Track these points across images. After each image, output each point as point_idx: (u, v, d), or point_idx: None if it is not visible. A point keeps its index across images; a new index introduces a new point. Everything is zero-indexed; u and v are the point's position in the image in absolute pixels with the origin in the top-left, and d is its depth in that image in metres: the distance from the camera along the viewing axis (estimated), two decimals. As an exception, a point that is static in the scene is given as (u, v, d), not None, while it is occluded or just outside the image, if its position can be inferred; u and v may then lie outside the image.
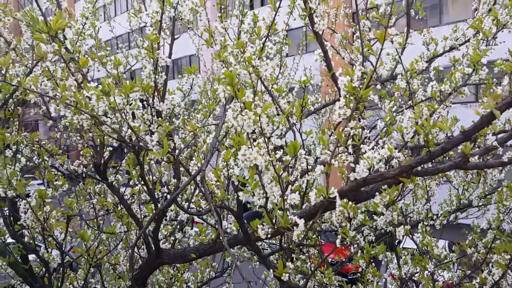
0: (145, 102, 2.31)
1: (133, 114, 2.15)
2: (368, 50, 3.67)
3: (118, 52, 7.91)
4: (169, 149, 2.04)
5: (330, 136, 3.96)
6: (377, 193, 2.29)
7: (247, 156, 1.72)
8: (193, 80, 2.67)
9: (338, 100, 2.05)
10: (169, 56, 2.33)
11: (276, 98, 2.23)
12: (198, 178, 1.94)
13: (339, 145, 1.94)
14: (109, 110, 1.96)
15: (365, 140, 2.31)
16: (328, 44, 2.47)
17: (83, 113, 1.90)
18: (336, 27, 4.50)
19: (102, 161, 2.64)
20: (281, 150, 2.01)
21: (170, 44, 2.36)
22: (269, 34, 2.12)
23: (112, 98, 1.92)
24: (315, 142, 3.93)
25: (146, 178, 2.47)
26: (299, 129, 2.98)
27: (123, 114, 1.97)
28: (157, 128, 2.31)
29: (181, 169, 2.66)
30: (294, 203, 1.86)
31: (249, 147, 1.73)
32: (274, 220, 1.88)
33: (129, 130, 2.07)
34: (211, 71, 6.41)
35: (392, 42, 2.16)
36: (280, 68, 3.08)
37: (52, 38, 1.76)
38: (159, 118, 2.35)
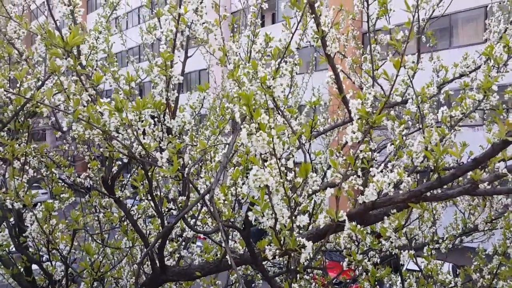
0: (156, 119, 2.31)
1: (144, 130, 2.15)
2: (377, 71, 3.70)
3: (128, 64, 7.98)
4: (179, 167, 2.03)
5: (338, 157, 3.97)
6: (385, 217, 2.26)
7: (259, 177, 1.70)
8: (204, 97, 2.67)
9: (349, 122, 2.05)
10: (182, 74, 2.34)
11: (288, 119, 2.22)
12: (207, 197, 1.93)
13: (349, 168, 1.92)
14: (120, 126, 1.96)
15: (374, 163, 2.30)
16: (339, 67, 2.47)
17: (95, 128, 1.89)
18: (346, 52, 4.52)
19: (110, 176, 2.64)
20: (291, 171, 2.00)
21: (183, 62, 2.37)
22: (285, 55, 2.12)
23: (124, 114, 1.92)
24: (322, 162, 3.92)
25: (154, 194, 2.46)
26: (308, 150, 2.98)
27: (134, 131, 1.97)
28: (167, 145, 2.31)
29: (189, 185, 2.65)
30: (302, 225, 1.85)
31: (261, 168, 1.72)
32: (282, 242, 1.86)
33: (140, 147, 2.06)
34: (221, 87, 6.45)
35: (404, 67, 2.17)
36: (291, 88, 3.10)
37: (68, 53, 1.77)
38: (170, 135, 2.35)
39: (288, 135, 2.64)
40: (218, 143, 2.79)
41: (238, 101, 2.24)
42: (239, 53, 2.70)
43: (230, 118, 3.23)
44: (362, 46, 5.52)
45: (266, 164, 1.80)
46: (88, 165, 3.68)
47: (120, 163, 2.95)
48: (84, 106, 1.87)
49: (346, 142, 4.59)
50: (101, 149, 2.12)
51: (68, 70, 1.82)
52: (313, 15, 2.09)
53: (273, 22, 22.77)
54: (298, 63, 2.64)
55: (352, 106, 2.12)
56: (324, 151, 6.12)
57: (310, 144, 2.89)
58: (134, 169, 3.95)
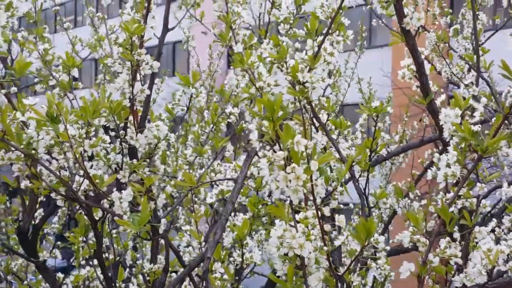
0: (112, 133, 2.32)
1: (92, 153, 2.16)
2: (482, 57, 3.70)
3: (57, 31, 8.07)
4: (150, 216, 2.03)
5: (408, 196, 3.96)
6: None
7: (287, 240, 1.70)
8: (191, 96, 2.69)
9: (430, 141, 2.03)
10: (158, 58, 2.36)
11: (333, 139, 2.23)
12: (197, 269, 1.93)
13: (442, 229, 1.91)
14: (55, 145, 1.97)
15: (480, 217, 2.29)
16: (422, 51, 2.48)
17: (13, 149, 1.90)
18: (426, 23, 4.55)
19: (32, 226, 2.65)
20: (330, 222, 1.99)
21: (161, 37, 2.39)
22: (330, 30, 2.14)
23: (63, 127, 1.93)
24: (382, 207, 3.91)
25: (104, 257, 2.46)
26: (365, 188, 2.98)
27: (77, 154, 1.98)
28: (129, 176, 2.32)
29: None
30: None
31: (290, 225, 1.72)
32: None
33: (85, 181, 2.07)
34: (208, 72, 6.50)
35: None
36: (330, 77, 3.10)
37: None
38: (134, 160, 2.36)
39: (332, 164, 2.64)
40: (216, 179, 2.79)
41: (252, 108, 2.25)
42: (250, 24, 2.71)
43: (231, 130, 3.25)
44: (451, 11, 5.55)
45: (297, 216, 1.80)
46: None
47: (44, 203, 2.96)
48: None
49: (423, 175, 4.57)
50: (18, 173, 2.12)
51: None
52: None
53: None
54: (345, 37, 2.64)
55: (446, 120, 2.11)
56: (384, 185, 6.08)
57: (367, 179, 2.89)
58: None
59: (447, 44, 4.43)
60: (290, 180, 1.64)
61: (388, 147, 3.67)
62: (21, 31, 3.12)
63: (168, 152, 3.06)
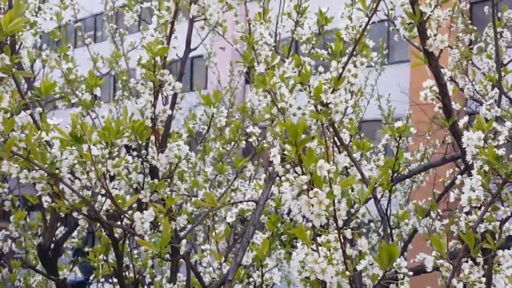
0: (134, 152, 2.33)
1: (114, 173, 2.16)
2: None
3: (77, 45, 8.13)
4: (172, 237, 2.03)
5: (430, 215, 3.91)
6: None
7: (309, 265, 1.69)
8: (212, 115, 2.70)
9: (453, 160, 2.01)
10: (180, 78, 2.37)
11: (357, 162, 2.22)
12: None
13: (466, 253, 1.89)
14: (78, 165, 1.97)
15: (503, 240, 2.27)
16: (445, 73, 2.46)
17: (37, 168, 1.91)
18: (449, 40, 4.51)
19: (53, 243, 2.66)
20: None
21: (183, 58, 2.40)
22: (355, 51, 2.13)
23: (86, 147, 1.93)
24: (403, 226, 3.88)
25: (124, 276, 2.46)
26: (386, 209, 2.95)
27: (100, 174, 1.98)
28: (150, 196, 2.32)
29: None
30: None
31: (312, 249, 1.71)
32: None
33: (107, 200, 2.08)
34: (229, 89, 6.51)
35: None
36: (352, 96, 3.11)
37: (2, 47, 1.81)
38: (155, 180, 2.37)
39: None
40: (238, 201, 2.79)
41: (276, 130, 2.25)
42: (271, 43, 2.70)
43: (250, 148, 3.25)
44: (475, 28, 5.50)
45: (319, 238, 1.79)
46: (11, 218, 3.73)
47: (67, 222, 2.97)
48: (22, 132, 1.90)
49: (444, 194, 4.51)
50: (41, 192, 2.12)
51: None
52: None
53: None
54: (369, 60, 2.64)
55: (469, 143, 2.10)
56: (404, 203, 6.03)
57: (390, 200, 2.87)
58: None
59: (472, 63, 4.40)
60: (312, 205, 1.63)
61: (409, 165, 3.64)
62: (45, 50, 3.15)
63: (185, 168, 3.07)
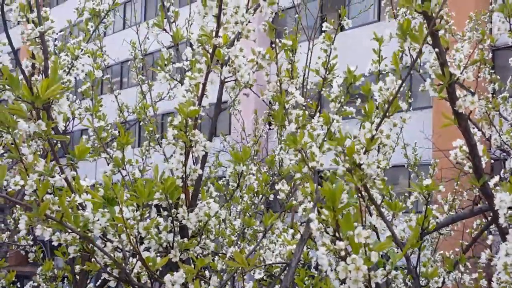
0: (165, 212, 2.32)
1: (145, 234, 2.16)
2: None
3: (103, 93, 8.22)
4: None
5: (458, 268, 3.84)
6: None
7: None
8: (241, 172, 2.69)
9: (479, 213, 1.96)
10: (210, 138, 2.37)
11: (388, 222, 2.19)
12: None
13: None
14: (110, 228, 1.97)
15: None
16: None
17: (69, 231, 1.91)
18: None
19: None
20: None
21: (213, 120, 2.41)
22: (388, 111, 2.12)
23: (118, 209, 1.93)
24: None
25: None
26: (416, 266, 2.90)
27: (131, 236, 1.98)
28: (180, 255, 2.30)
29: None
30: None
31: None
32: None
33: (138, 262, 2.07)
34: (254, 139, 6.52)
35: None
36: (379, 151, 3.09)
37: (38, 112, 1.83)
38: (184, 238, 2.35)
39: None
40: (269, 263, 2.76)
41: (307, 190, 2.24)
42: (301, 102, 2.70)
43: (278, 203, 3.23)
44: (498, 77, 5.48)
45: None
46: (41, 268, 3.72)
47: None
48: (54, 195, 1.90)
49: (471, 246, 4.44)
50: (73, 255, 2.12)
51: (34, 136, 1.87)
52: (436, 49, 2.09)
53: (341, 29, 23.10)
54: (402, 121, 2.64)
55: (502, 205, 2.06)
56: (431, 252, 5.92)
57: (419, 257, 2.82)
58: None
59: (498, 112, 4.38)
60: (350, 271, 1.61)
61: (437, 218, 3.58)
62: (76, 104, 3.19)
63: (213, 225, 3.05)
